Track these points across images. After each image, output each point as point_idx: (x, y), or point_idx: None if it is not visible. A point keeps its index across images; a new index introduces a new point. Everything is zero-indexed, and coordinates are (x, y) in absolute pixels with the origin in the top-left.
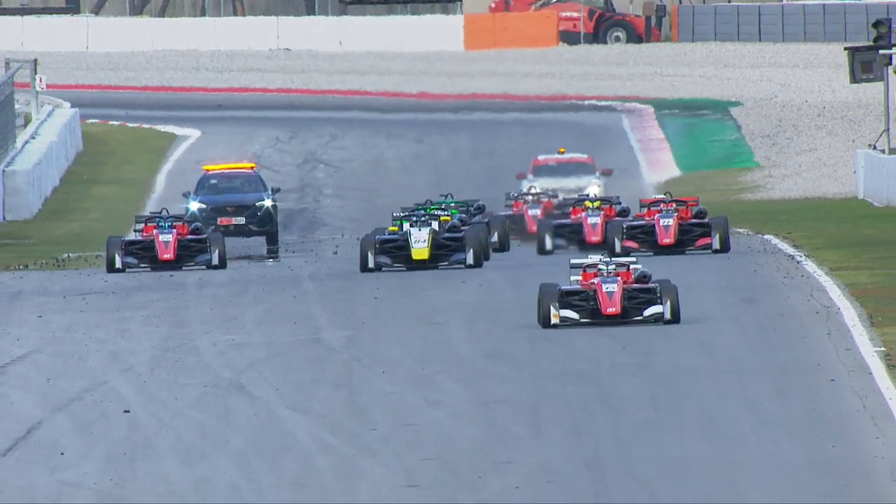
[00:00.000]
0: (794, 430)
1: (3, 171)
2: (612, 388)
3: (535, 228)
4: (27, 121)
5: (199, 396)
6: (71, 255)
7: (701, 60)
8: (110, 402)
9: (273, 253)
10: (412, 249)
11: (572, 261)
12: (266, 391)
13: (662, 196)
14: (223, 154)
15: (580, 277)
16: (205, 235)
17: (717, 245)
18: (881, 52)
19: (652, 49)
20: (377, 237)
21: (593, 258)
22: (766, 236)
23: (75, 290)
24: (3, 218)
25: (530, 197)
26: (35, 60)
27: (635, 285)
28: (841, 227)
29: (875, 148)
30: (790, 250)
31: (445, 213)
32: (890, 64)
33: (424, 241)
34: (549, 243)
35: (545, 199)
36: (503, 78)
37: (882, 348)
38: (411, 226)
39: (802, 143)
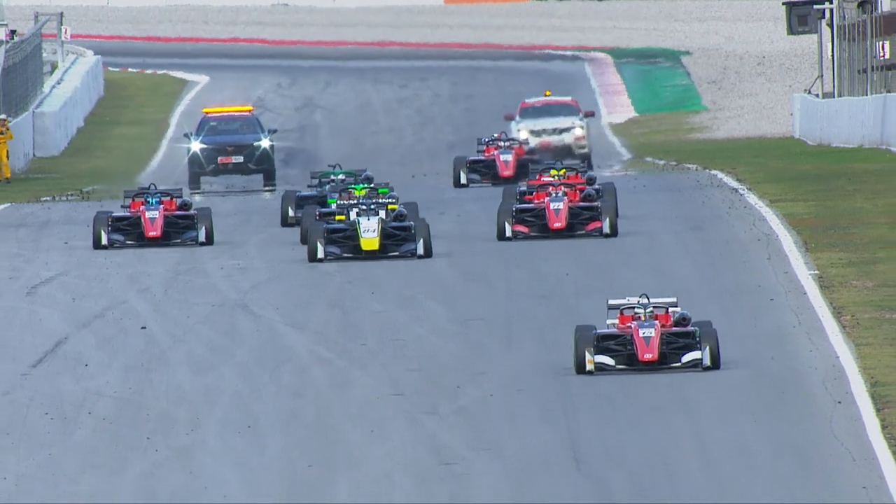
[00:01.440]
0: (738, 344)
1: (33, 112)
2: (575, 306)
3: (506, 173)
4: (54, 68)
5: (208, 314)
6: (94, 188)
7: (654, 16)
8: (129, 319)
9: (270, 187)
10: (361, 239)
11: (610, 301)
12: (267, 310)
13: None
14: (230, 97)
15: (617, 320)
16: (193, 212)
17: (606, 229)
18: (815, 6)
19: (611, 5)
20: (325, 225)
21: (631, 300)
22: (713, 172)
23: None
24: (34, 155)
25: (502, 143)
26: (61, 13)
27: (674, 329)
28: (779, 163)
29: (810, 93)
30: (734, 184)
31: (390, 201)
32: (823, 17)
33: (374, 230)
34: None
35: (516, 146)
36: (479, 30)
37: (815, 271)
38: (358, 215)
39: (744, 89)
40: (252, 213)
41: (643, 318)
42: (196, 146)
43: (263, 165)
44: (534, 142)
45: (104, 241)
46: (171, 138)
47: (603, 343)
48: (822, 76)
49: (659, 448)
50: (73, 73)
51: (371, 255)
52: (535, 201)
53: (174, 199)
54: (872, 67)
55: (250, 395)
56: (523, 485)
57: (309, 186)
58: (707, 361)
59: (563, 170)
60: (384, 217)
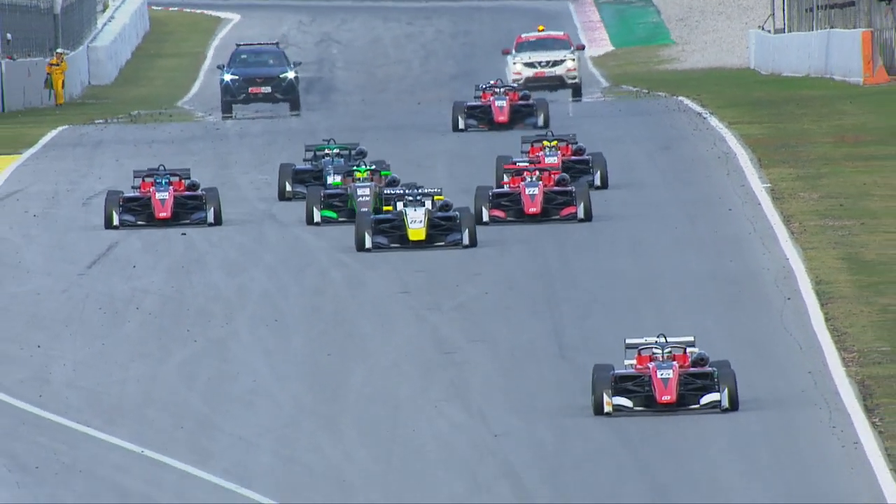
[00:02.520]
0: (701, 248)
1: (88, 46)
2: (558, 221)
3: (501, 118)
4: (105, 8)
5: (240, 223)
6: (141, 112)
7: None
8: (168, 237)
9: (296, 113)
10: (409, 230)
11: (627, 340)
12: (291, 219)
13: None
14: (258, 33)
15: (635, 361)
16: (201, 192)
17: (581, 214)
18: None
19: None
20: (372, 217)
21: (649, 339)
22: (680, 98)
23: (144, 139)
24: (89, 83)
25: (498, 89)
26: None
27: (692, 369)
28: (737, 90)
29: (763, 29)
30: (698, 109)
31: (436, 191)
32: None
33: (421, 221)
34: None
35: (511, 91)
36: None
37: (768, 184)
38: (405, 206)
39: (707, 26)
40: (278, 134)
41: (661, 359)
42: (228, 77)
43: (289, 95)
44: (528, 73)
45: (115, 221)
46: (207, 69)
47: (621, 384)
48: (773, 14)
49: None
50: (122, 11)
51: (417, 245)
52: (511, 186)
53: (182, 180)
54: (818, 6)
55: (277, 293)
56: (514, 371)
57: (304, 160)
58: (725, 403)
59: (555, 140)
60: (430, 208)
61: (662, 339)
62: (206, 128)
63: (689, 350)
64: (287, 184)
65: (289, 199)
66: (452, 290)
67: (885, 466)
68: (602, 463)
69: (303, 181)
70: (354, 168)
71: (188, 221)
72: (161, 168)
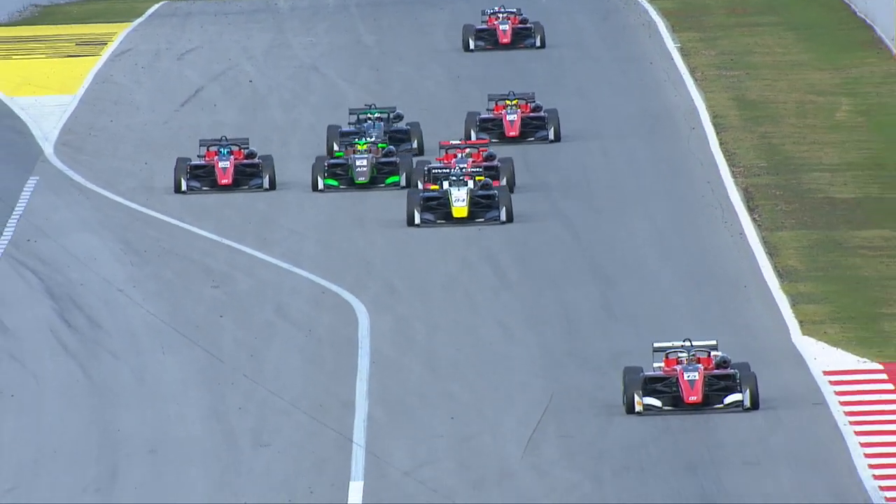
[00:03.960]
0: (630, 92)
1: None
2: (525, 69)
3: (505, 40)
4: None
5: (292, 72)
6: None
7: None
8: (241, 74)
9: None
10: (453, 207)
11: (655, 344)
12: (330, 70)
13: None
14: None
15: (663, 363)
16: (258, 160)
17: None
18: None
19: None
20: (420, 195)
21: (676, 343)
22: None
23: (222, 11)
24: None
25: (501, 14)
26: None
27: (716, 371)
28: None
29: None
30: None
31: (478, 171)
32: None
33: (464, 199)
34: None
35: (513, 16)
36: None
37: (679, 45)
38: (450, 185)
39: None
40: (320, 8)
41: (687, 362)
42: None
43: None
44: None
45: (183, 187)
46: None
47: (650, 385)
48: None
49: (582, 167)
50: None
51: (460, 221)
52: (440, 190)
53: (242, 150)
54: None
55: (320, 125)
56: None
57: (349, 123)
58: (747, 403)
59: (516, 99)
60: (472, 187)
61: (688, 343)
62: (268, 4)
63: (712, 353)
64: (335, 144)
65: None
66: (447, 122)
67: (762, 250)
68: None
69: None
70: (357, 141)
71: (247, 187)
72: (223, 139)
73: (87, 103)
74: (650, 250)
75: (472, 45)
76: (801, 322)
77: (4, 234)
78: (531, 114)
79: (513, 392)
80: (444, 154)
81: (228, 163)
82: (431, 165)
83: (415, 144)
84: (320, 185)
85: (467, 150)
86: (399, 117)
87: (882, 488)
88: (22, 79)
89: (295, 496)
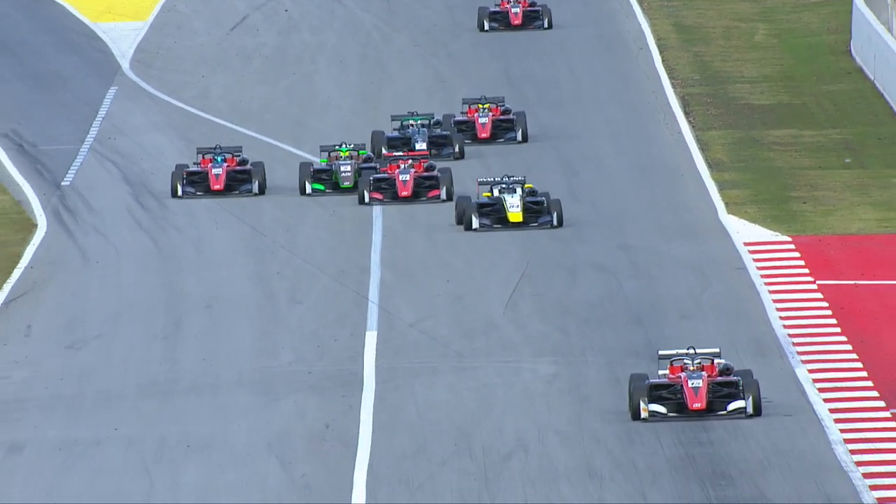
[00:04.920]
0: (588, 21)
1: None
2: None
3: (516, 21)
4: None
5: (320, 3)
6: None
7: None
8: (279, 4)
9: None
10: (508, 213)
11: (660, 352)
12: (350, 2)
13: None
14: None
15: (668, 371)
16: (249, 167)
17: (444, 196)
18: None
19: None
20: (475, 202)
21: (681, 351)
22: None
23: None
24: None
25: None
26: None
27: (719, 378)
28: None
29: None
30: None
31: (522, 179)
32: None
33: (517, 206)
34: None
35: (523, 0)
36: None
37: None
38: (501, 192)
39: None
40: None
41: (692, 369)
42: None
43: None
44: None
45: (179, 192)
46: None
47: (656, 392)
48: None
49: (555, 82)
50: None
51: (515, 226)
52: (389, 172)
53: (235, 157)
54: None
55: (342, 44)
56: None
57: (393, 130)
58: (750, 410)
59: (488, 103)
60: (521, 194)
61: (692, 351)
62: None
63: (716, 361)
64: (382, 148)
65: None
66: (445, 45)
67: (696, 146)
68: None
69: (395, 147)
70: (338, 148)
71: (238, 192)
72: (218, 147)
73: (156, 28)
74: (606, 146)
75: (486, 27)
76: (726, 203)
77: (90, 133)
78: (501, 117)
79: (496, 260)
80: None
81: (221, 169)
82: (377, 175)
83: (456, 149)
84: (308, 190)
85: (409, 161)
86: (438, 123)
87: (790, 335)
88: (104, 7)
89: (322, 343)
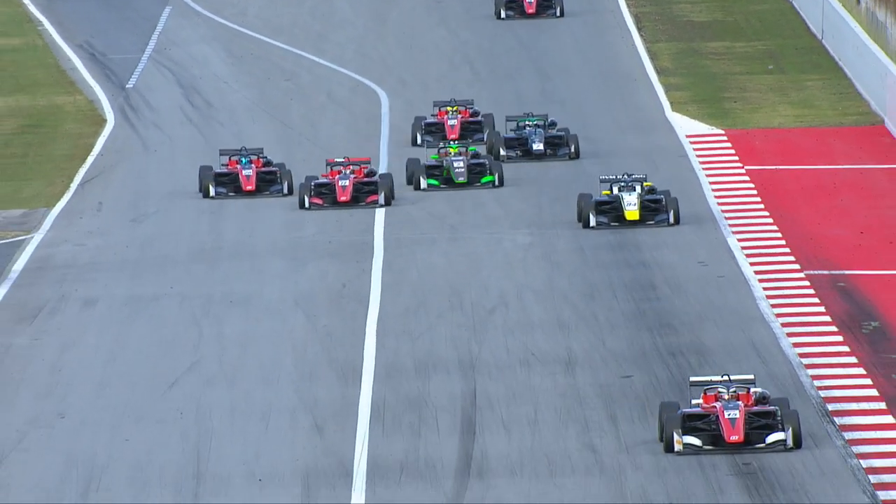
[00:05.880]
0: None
1: None
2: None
3: (531, 10)
4: None
5: None
6: None
7: None
8: None
9: None
10: (626, 211)
11: (692, 379)
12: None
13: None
14: None
15: (701, 399)
16: (275, 168)
17: (381, 201)
18: None
19: None
20: (594, 199)
21: (714, 378)
22: None
23: None
24: None
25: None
26: None
27: (756, 408)
28: None
29: None
30: None
31: (643, 177)
32: None
33: (635, 204)
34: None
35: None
36: None
37: None
38: (620, 190)
39: None
40: None
41: (727, 398)
42: None
43: None
44: None
45: (212, 192)
46: None
47: (689, 423)
48: None
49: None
50: None
51: (632, 224)
52: (330, 177)
53: (260, 159)
54: None
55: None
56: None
57: (510, 130)
58: (790, 443)
59: (457, 106)
60: (640, 192)
61: (726, 378)
62: None
63: (752, 389)
64: (501, 149)
65: (502, 161)
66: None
67: (647, 55)
68: None
69: (512, 147)
70: (450, 145)
71: (268, 192)
72: (243, 149)
73: None
74: (573, 56)
75: (503, 14)
76: (671, 103)
77: (149, 44)
78: (470, 118)
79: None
80: (329, 170)
81: (251, 171)
82: (318, 181)
83: (572, 149)
84: (423, 185)
85: (350, 167)
86: (553, 124)
87: (723, 210)
88: None
89: (340, 219)
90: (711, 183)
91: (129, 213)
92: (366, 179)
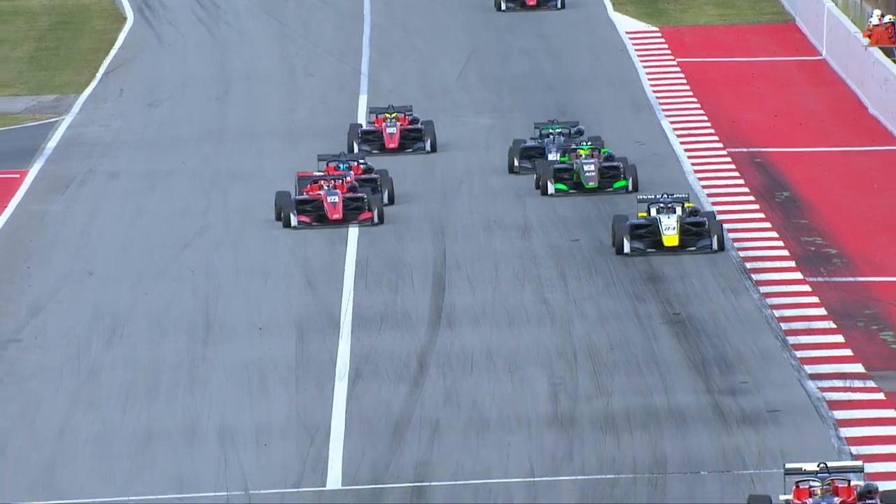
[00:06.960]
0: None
1: None
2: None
3: (531, 2)
4: None
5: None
6: None
7: None
8: None
9: None
10: (663, 236)
11: (787, 465)
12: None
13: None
14: None
15: (792, 495)
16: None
17: (376, 219)
18: None
19: None
20: (629, 222)
21: (810, 466)
22: None
23: None
24: None
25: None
26: None
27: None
28: None
29: None
30: None
31: (684, 198)
32: None
33: (674, 228)
34: (293, 220)
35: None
36: None
37: None
38: (658, 212)
39: None
40: None
41: (820, 493)
42: None
43: None
44: None
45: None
46: None
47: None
48: None
49: None
50: None
51: (671, 250)
52: (314, 193)
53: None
54: None
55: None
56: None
57: (532, 139)
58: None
59: (395, 112)
60: (681, 214)
61: (823, 466)
62: None
63: (853, 482)
64: (515, 159)
65: (516, 174)
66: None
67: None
68: None
69: (530, 157)
70: (577, 146)
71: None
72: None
73: None
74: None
75: (503, 6)
76: (612, 4)
77: None
78: (409, 126)
79: (450, 45)
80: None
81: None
82: (299, 197)
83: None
84: (550, 190)
85: (332, 182)
86: (580, 132)
87: (658, 97)
88: None
89: (328, 103)
90: (648, 74)
91: (147, 98)
92: (351, 195)
